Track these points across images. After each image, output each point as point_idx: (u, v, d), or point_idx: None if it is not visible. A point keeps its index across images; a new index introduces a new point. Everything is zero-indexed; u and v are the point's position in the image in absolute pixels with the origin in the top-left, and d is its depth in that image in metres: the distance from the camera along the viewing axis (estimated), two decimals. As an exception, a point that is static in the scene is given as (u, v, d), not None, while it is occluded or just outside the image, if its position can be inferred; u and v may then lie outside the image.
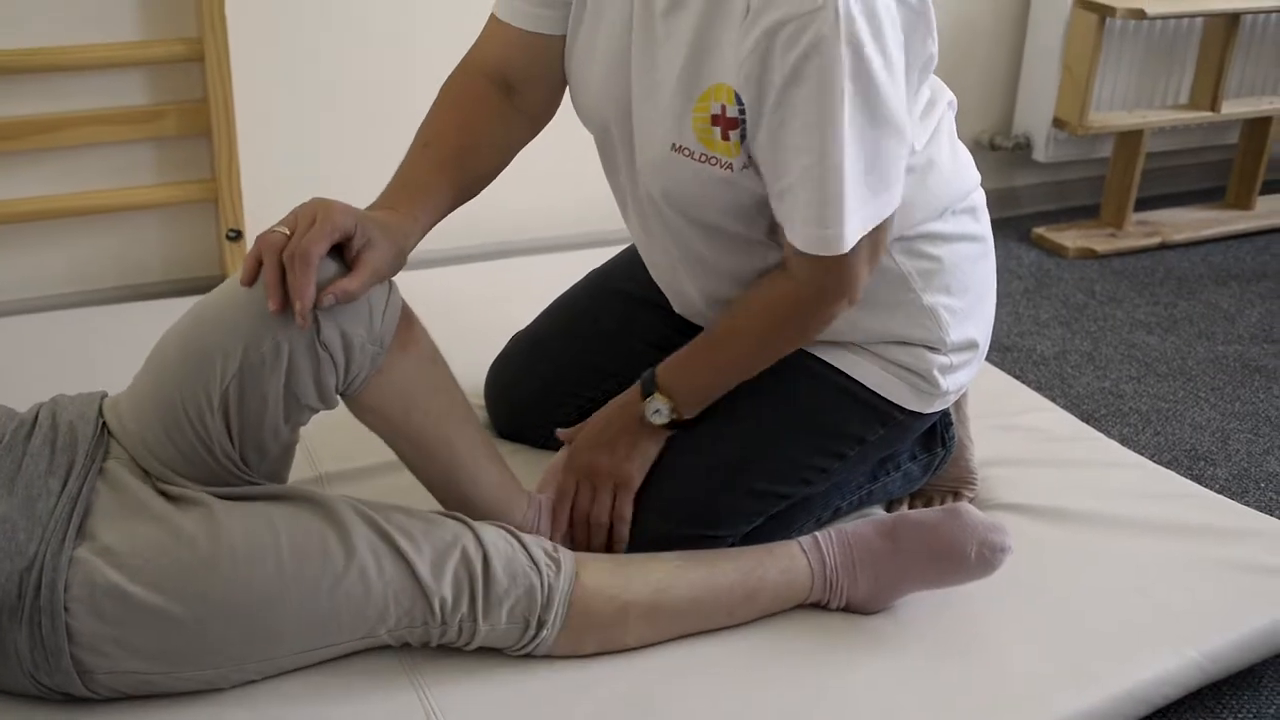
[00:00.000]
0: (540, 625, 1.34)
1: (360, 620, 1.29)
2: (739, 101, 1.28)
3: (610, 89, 1.40)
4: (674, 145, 1.34)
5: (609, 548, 1.50)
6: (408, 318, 1.35)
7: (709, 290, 1.50)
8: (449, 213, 1.43)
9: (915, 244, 1.45)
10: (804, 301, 1.39)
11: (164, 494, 1.31)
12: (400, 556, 1.29)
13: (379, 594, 1.29)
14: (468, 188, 1.45)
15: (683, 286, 1.54)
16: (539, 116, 1.52)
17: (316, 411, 1.33)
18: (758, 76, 1.26)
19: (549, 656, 1.38)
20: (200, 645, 1.25)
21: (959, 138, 1.54)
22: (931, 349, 1.48)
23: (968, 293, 1.50)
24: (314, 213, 1.22)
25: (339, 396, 1.31)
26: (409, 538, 1.31)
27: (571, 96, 1.49)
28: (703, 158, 1.33)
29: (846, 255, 1.31)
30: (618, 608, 1.37)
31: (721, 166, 1.33)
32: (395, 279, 1.32)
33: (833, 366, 1.49)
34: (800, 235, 1.31)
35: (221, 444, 1.29)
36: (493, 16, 1.49)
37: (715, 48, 1.29)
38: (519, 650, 1.36)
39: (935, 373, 1.48)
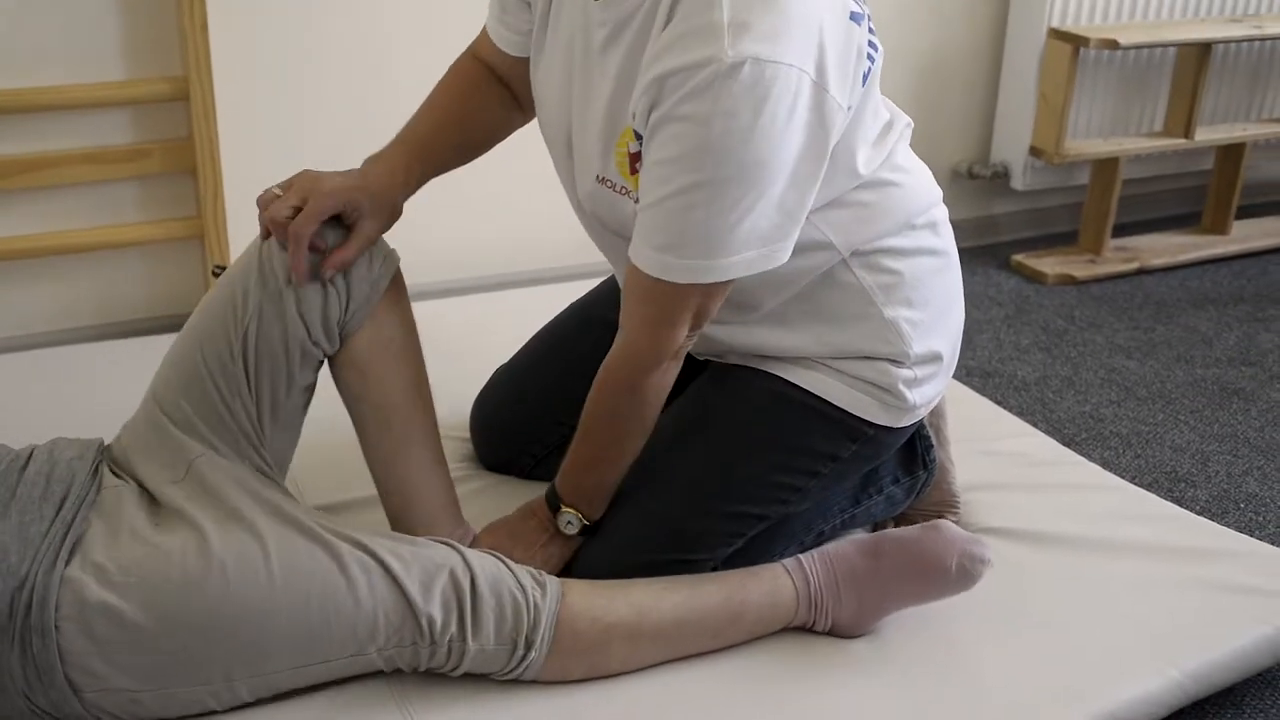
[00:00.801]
0: (529, 646, 1.35)
1: (350, 637, 1.30)
2: (638, 138, 1.33)
3: (561, 114, 1.45)
4: (599, 177, 1.40)
5: None
6: (400, 281, 1.49)
7: None
8: (449, 168, 1.59)
9: (874, 259, 1.47)
10: (625, 358, 1.39)
11: (157, 507, 1.35)
12: (389, 574, 1.31)
13: (369, 610, 1.30)
14: (466, 149, 1.60)
15: None
16: (530, 108, 1.59)
17: (319, 359, 1.44)
18: (645, 113, 1.29)
19: (536, 682, 1.38)
20: (190, 662, 1.26)
21: (938, 165, 1.56)
22: (895, 363, 1.49)
23: (929, 306, 1.51)
24: (304, 194, 1.40)
25: (339, 340, 1.44)
26: (397, 558, 1.33)
27: (535, 103, 1.54)
28: (621, 190, 1.38)
29: (669, 296, 1.32)
30: (602, 629, 1.38)
31: (634, 200, 1.37)
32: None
33: (798, 386, 1.51)
34: (639, 253, 1.33)
35: (242, 395, 1.40)
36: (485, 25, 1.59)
37: (629, 90, 1.33)
38: (507, 674, 1.37)
39: (901, 386, 1.49)
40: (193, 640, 1.26)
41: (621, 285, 1.60)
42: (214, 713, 1.31)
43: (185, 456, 1.39)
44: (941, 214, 1.56)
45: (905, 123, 1.53)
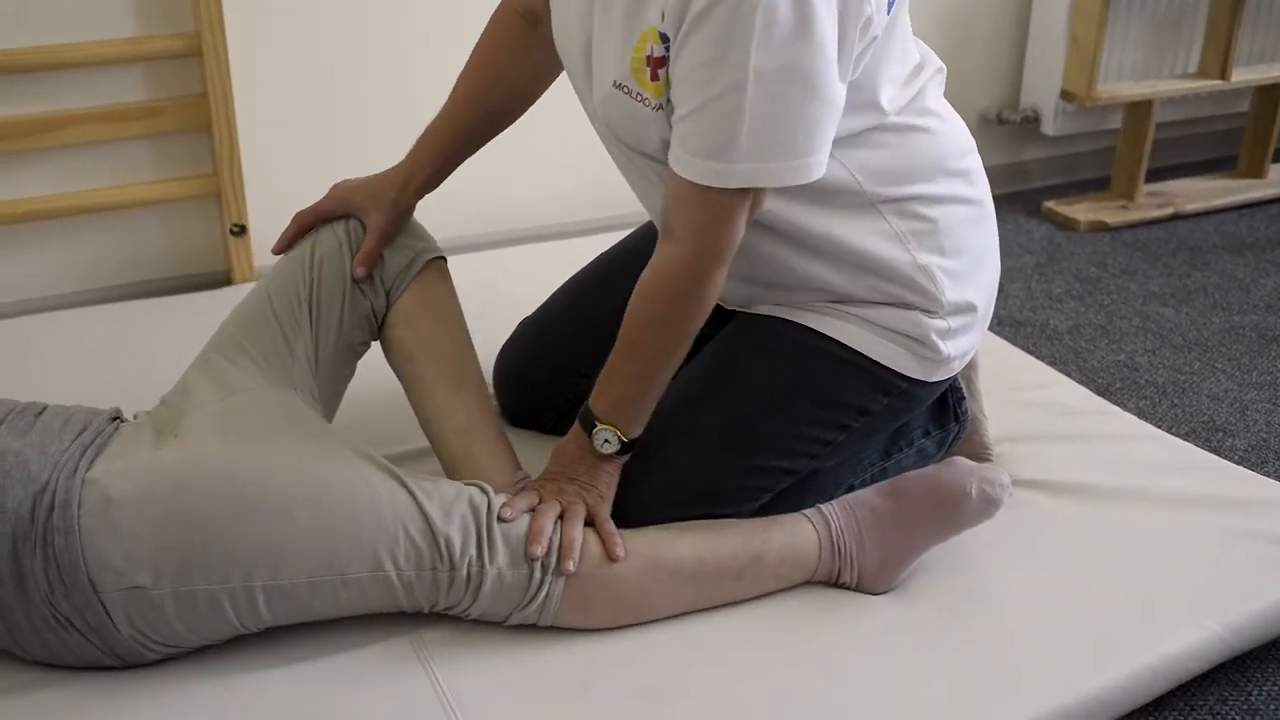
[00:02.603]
0: (545, 570, 1.35)
1: (369, 549, 1.31)
2: (663, 40, 1.30)
3: (580, 23, 1.42)
4: (615, 82, 1.37)
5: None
6: (444, 270, 1.60)
7: None
8: (473, 147, 1.64)
9: (907, 205, 1.44)
10: (681, 262, 1.35)
11: (181, 430, 1.39)
12: (411, 495, 1.34)
13: (390, 521, 1.32)
14: (486, 122, 1.63)
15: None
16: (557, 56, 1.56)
17: (367, 312, 1.53)
18: (677, 14, 1.27)
19: (556, 628, 1.38)
20: (210, 549, 1.27)
21: (967, 110, 1.53)
22: (927, 312, 1.47)
23: (963, 255, 1.48)
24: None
25: (385, 296, 1.56)
26: (419, 486, 1.35)
27: (553, 27, 1.50)
28: (637, 96, 1.35)
29: (722, 204, 1.30)
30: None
31: (650, 106, 1.35)
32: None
33: (830, 337, 1.48)
34: (686, 164, 1.30)
35: (304, 335, 1.49)
36: None
37: None
38: (525, 607, 1.36)
39: (934, 337, 1.47)
40: (214, 528, 1.27)
41: (647, 208, 1.58)
42: (226, 657, 1.32)
43: (230, 389, 1.42)
44: (975, 163, 1.53)
45: (936, 67, 1.50)
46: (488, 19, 1.64)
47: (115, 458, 1.32)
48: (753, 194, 1.32)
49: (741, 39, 1.22)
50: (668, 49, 1.30)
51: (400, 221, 1.58)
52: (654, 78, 1.33)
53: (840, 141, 1.38)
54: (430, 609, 1.37)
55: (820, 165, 1.32)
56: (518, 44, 1.60)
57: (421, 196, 1.62)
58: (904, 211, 1.44)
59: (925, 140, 1.45)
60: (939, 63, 1.51)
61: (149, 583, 1.26)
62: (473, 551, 1.33)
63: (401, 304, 1.55)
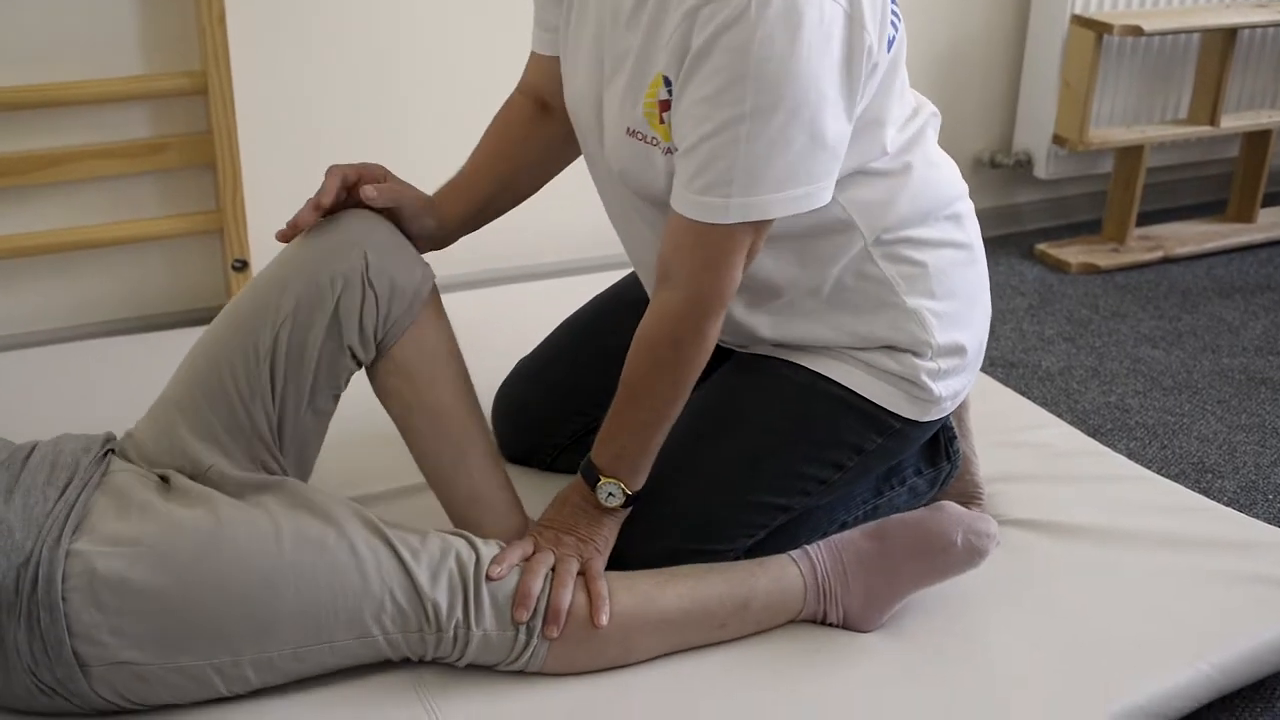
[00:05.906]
0: (530, 633, 1.35)
1: (356, 618, 1.31)
2: (667, 83, 1.34)
3: (589, 82, 1.46)
4: (628, 129, 1.40)
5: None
6: (437, 296, 1.49)
7: None
8: (490, 206, 1.62)
9: (896, 248, 1.47)
10: (681, 307, 1.36)
11: (166, 483, 1.37)
12: (397, 557, 1.33)
13: (377, 588, 1.31)
14: (498, 187, 1.62)
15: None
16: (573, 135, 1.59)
17: (348, 370, 1.43)
18: (680, 54, 1.31)
19: (542, 674, 1.38)
20: (196, 632, 1.27)
21: (960, 153, 1.56)
22: (917, 354, 1.48)
23: (953, 298, 1.51)
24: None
25: (375, 349, 1.44)
26: (406, 545, 1.34)
27: (564, 90, 1.54)
28: (651, 140, 1.39)
29: (720, 243, 1.32)
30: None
31: (661, 149, 1.38)
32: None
33: (825, 376, 1.50)
34: (685, 201, 1.33)
35: (264, 399, 1.39)
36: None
37: (658, 39, 1.34)
38: (512, 663, 1.37)
39: (925, 378, 1.48)
40: (200, 608, 1.26)
41: (637, 262, 1.60)
42: (220, 700, 1.32)
43: (199, 467, 1.40)
44: (966, 208, 1.55)
45: (931, 112, 1.52)
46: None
47: (103, 517, 1.30)
48: (750, 235, 1.34)
49: (737, 76, 1.25)
50: (671, 92, 1.33)
51: (417, 209, 1.52)
52: (663, 121, 1.36)
53: (841, 176, 1.39)
54: (419, 660, 1.37)
55: (816, 197, 1.33)
56: (528, 124, 1.63)
57: (446, 229, 1.59)
58: (894, 255, 1.47)
59: (919, 183, 1.47)
60: (934, 108, 1.53)
61: (135, 658, 1.26)
62: (459, 615, 1.33)
63: (399, 350, 1.45)
